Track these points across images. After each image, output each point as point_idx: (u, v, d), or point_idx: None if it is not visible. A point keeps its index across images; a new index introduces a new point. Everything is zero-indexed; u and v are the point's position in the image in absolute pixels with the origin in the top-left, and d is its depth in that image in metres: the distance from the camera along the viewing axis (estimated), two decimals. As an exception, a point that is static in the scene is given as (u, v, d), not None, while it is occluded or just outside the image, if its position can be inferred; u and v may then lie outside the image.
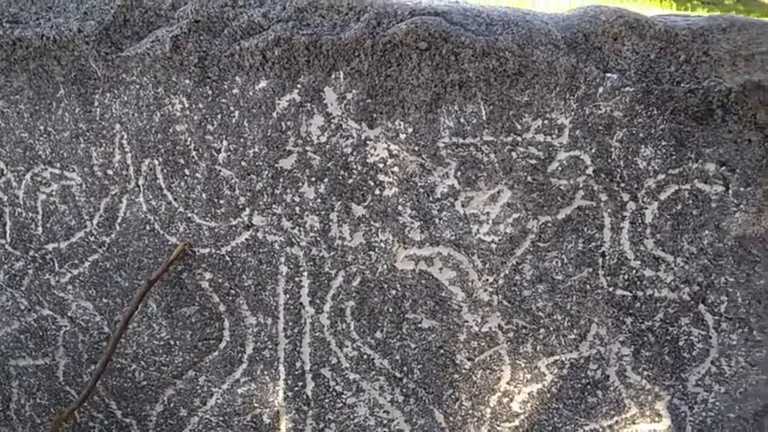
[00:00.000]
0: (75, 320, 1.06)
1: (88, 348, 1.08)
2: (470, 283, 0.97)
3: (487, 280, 0.96)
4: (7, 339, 1.10)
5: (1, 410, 1.15)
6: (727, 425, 1.00)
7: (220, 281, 1.01)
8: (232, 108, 0.91)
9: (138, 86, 0.92)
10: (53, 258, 1.03)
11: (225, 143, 0.93)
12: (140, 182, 0.97)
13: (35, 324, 1.08)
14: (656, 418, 1.01)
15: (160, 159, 0.95)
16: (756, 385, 0.97)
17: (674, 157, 0.88)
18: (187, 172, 0.95)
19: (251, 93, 0.90)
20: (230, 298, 1.02)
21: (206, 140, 0.93)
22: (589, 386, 1.00)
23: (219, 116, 0.92)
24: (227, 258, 0.99)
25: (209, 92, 0.91)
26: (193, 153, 0.94)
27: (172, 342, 1.06)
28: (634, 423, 1.01)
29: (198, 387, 1.08)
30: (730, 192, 0.88)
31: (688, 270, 0.92)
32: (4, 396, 1.14)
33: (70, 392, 1.11)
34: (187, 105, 0.92)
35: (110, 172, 0.97)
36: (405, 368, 1.03)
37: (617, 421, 1.01)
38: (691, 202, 0.89)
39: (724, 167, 0.87)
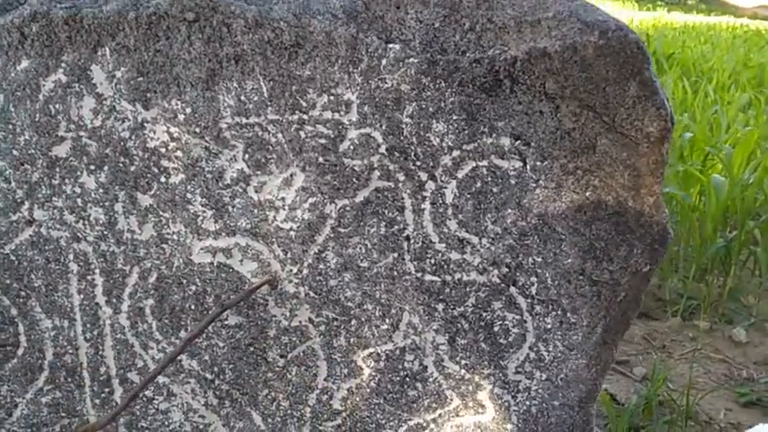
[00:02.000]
0: None
1: None
2: (276, 275, 0.89)
3: (291, 270, 0.89)
4: None
5: None
6: (552, 413, 0.94)
7: (8, 282, 0.91)
8: (-3, 92, 0.83)
9: None
10: None
11: (-6, 131, 0.84)
12: None
13: None
14: (480, 410, 0.94)
15: (-74, 151, 0.86)
16: (577, 370, 0.92)
17: (466, 132, 0.81)
18: (-43, 164, 0.86)
19: (13, 74, 0.82)
20: (21, 300, 0.92)
21: (-27, 129, 0.84)
22: (408, 378, 0.93)
23: (-15, 102, 0.83)
24: (12, 257, 0.90)
25: (-31, 75, 0.82)
26: (-38, 143, 0.85)
27: (-35, 351, 0.96)
28: (458, 415, 0.95)
29: (1, 398, 0.99)
30: (528, 167, 0.82)
31: (494, 251, 0.86)
32: None
33: None
34: (-53, 91, 0.83)
35: None
36: (215, 369, 0.95)
37: (440, 414, 0.95)
38: (489, 179, 0.83)
39: (519, 141, 0.81)
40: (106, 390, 0.96)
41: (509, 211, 0.84)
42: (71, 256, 0.90)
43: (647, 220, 0.84)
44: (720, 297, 2.53)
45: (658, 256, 0.86)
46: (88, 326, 0.93)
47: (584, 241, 0.85)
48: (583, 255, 0.86)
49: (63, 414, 0.98)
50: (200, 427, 0.98)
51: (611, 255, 0.86)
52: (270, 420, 0.96)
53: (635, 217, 0.84)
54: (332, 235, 0.87)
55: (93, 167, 0.85)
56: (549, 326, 0.89)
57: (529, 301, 0.88)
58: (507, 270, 0.87)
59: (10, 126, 0.84)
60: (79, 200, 0.87)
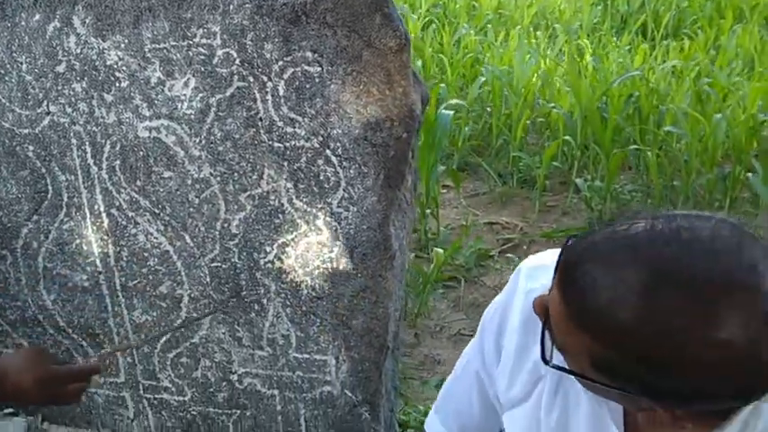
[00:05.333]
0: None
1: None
2: (185, 144, 1.42)
3: (195, 140, 1.41)
4: None
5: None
6: (363, 233, 1.41)
7: (39, 151, 1.49)
8: (23, 34, 1.39)
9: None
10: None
11: (24, 57, 1.40)
12: (-20, 87, 1.46)
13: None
14: (319, 232, 1.43)
15: (-11, 71, 1.44)
16: (373, 204, 1.38)
17: (284, 49, 1.29)
18: (7, 78, 1.43)
19: (31, 23, 1.37)
20: (47, 162, 1.50)
21: (12, 57, 1.41)
22: (273, 211, 1.43)
23: (18, 39, 1.39)
24: (40, 135, 1.47)
25: (8, 24, 1.38)
26: (8, 66, 1.42)
27: (20, 195, 1.55)
28: (306, 236, 1.44)
29: (41, 226, 1.58)
30: (324, 71, 1.29)
31: (313, 125, 1.34)
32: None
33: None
34: (-3, 34, 1.40)
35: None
36: (160, 206, 1.49)
37: (296, 236, 1.44)
38: (303, 78, 1.31)
39: (316, 54, 1.29)
40: (99, 220, 1.53)
41: (317, 99, 1.32)
42: (71, 134, 1.46)
43: (400, 103, 1.30)
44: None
45: (410, 127, 1.31)
46: (85, 179, 1.49)
47: (363, 118, 1.32)
48: (364, 127, 1.32)
49: (76, 237, 1.56)
50: (155, 244, 1.52)
51: (381, 126, 1.32)
52: (195, 239, 1.50)
53: (392, 101, 1.30)
54: (215, 117, 1.38)
55: (78, 78, 1.40)
56: (352, 175, 1.37)
57: (338, 158, 1.36)
58: (322, 138, 1.35)
59: (32, 55, 1.40)
60: (73, 98, 1.42)
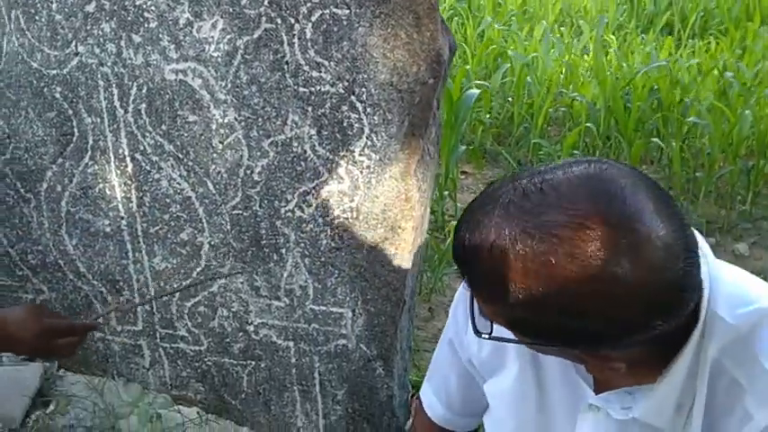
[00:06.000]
0: (-13, 124, 1.58)
1: (-3, 144, 1.60)
2: (211, 87, 1.41)
3: (221, 84, 1.40)
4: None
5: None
6: (384, 183, 1.39)
7: (66, 92, 1.49)
8: (56, -27, 1.39)
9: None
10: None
11: (55, -3, 1.40)
12: (12, 26, 1.46)
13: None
14: (340, 180, 1.42)
15: (20, 10, 1.44)
16: (396, 152, 1.37)
17: (313, -9, 1.28)
18: (37, 18, 1.44)
19: (62, -39, 1.38)
20: (74, 104, 1.50)
21: (44, -4, 1.41)
22: (296, 159, 1.42)
23: (50, -21, 1.39)
24: (68, 77, 1.48)
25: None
26: (38, 5, 1.42)
27: (46, 138, 1.55)
28: (328, 184, 1.43)
29: (65, 170, 1.58)
30: (352, 13, 1.28)
31: (339, 70, 1.33)
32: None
33: (-9, 176, 1.63)
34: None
35: (-7, 20, 1.46)
36: (184, 150, 1.48)
37: (317, 184, 1.43)
38: (331, 21, 1.30)
39: (344, -4, 1.28)
40: (123, 165, 1.53)
41: (344, 43, 1.31)
42: (99, 75, 1.46)
43: (427, 47, 1.28)
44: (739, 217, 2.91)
45: (437, 73, 1.29)
46: (111, 122, 1.49)
47: (390, 63, 1.30)
48: (390, 72, 1.31)
49: (99, 181, 1.56)
50: (178, 190, 1.52)
51: (407, 71, 1.30)
52: (217, 186, 1.49)
53: (419, 45, 1.28)
54: (242, 60, 1.37)
55: (107, 18, 1.40)
56: (376, 121, 1.35)
57: (363, 104, 1.34)
58: (347, 83, 1.34)
59: (63, -7, 1.40)
60: (101, 38, 1.42)
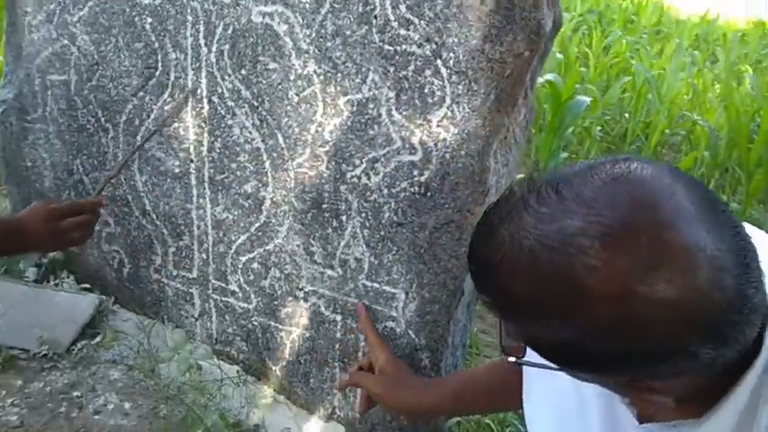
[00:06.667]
0: (80, 48, 1.58)
1: (86, 70, 1.59)
2: (295, 34, 1.33)
3: (306, 32, 1.32)
4: (45, 60, 1.64)
5: (41, 112, 1.70)
6: (459, 160, 1.27)
7: (155, 24, 1.46)
8: None
9: None
10: (69, 3, 1.55)
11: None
12: (114, -48, 1.44)
13: (59, 50, 1.61)
14: (413, 151, 1.30)
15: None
16: (476, 128, 1.24)
17: (413, -60, 1.18)
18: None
19: None
20: (161, 37, 1.47)
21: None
22: (369, 121, 1.32)
23: None
24: (159, 8, 1.44)
25: None
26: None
27: (131, 69, 1.53)
28: (399, 154, 1.32)
29: (144, 104, 1.55)
30: (451, -32, 1.17)
31: (428, 31, 1.22)
32: (43, 102, 1.69)
33: (77, 101, 1.63)
34: None
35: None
36: (260, 99, 1.41)
37: (388, 151, 1.32)
38: (427, -24, 1.19)
39: (445, -51, 1.16)
40: (200, 106, 1.48)
41: (438, 0, 1.19)
42: (188, 10, 1.41)
43: (527, 16, 1.14)
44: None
45: (534, 45, 1.15)
46: (194, 59, 1.45)
47: (485, 27, 1.17)
48: (483, 38, 1.18)
49: (174, 118, 1.52)
50: (248, 140, 1.46)
51: (501, 39, 1.17)
52: (287, 141, 1.41)
53: (519, 12, 1.14)
54: (330, 9, 1.28)
55: (203, -49, 1.35)
56: (460, 91, 1.23)
57: (448, 71, 1.22)
58: (435, 46, 1.22)
59: None
60: (195, -28, 1.37)
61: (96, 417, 1.48)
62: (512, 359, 0.67)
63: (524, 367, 0.91)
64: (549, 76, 2.91)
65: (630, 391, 0.62)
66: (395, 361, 1.28)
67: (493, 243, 0.59)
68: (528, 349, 0.65)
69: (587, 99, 2.85)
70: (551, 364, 0.63)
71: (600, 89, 3.95)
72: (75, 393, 1.53)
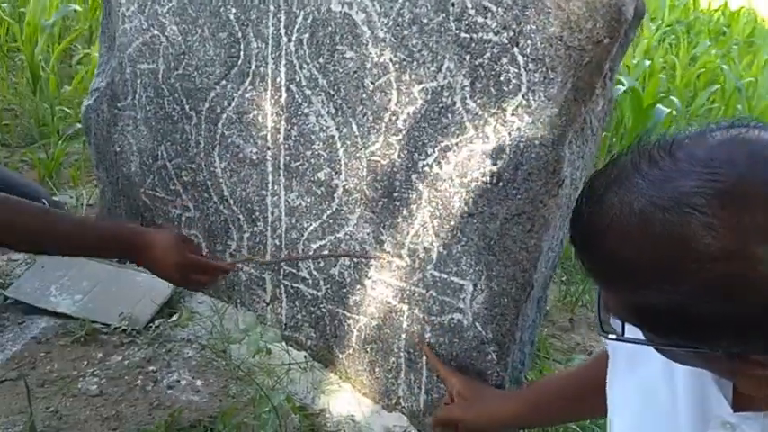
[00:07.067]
0: (168, 38, 1.64)
1: (173, 59, 1.65)
2: (373, 23, 1.34)
3: (383, 21, 1.33)
4: (136, 50, 1.72)
5: (131, 100, 1.78)
6: (533, 150, 1.24)
7: (239, 14, 1.50)
8: None
9: None
10: (161, -5, 1.62)
11: None
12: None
13: (149, 39, 1.68)
14: (486, 140, 1.29)
15: (213, -71, 1.47)
16: (551, 117, 1.21)
17: (493, -74, 1.17)
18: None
19: None
20: (244, 27, 1.51)
21: None
22: (443, 110, 1.32)
23: None
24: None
25: None
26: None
27: (215, 58, 1.58)
28: (471, 143, 1.30)
29: (226, 92, 1.60)
30: (531, -46, 1.15)
31: (506, 18, 1.20)
32: (133, 90, 1.76)
33: (164, 89, 1.70)
34: None
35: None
36: (336, 87, 1.43)
37: (461, 140, 1.31)
38: (506, -38, 1.17)
39: (526, -66, 1.14)
40: (278, 94, 1.51)
41: (516, -12, 1.18)
42: (271, 0, 1.45)
43: (608, 2, 1.11)
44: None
45: (614, 32, 1.12)
46: (274, 48, 1.48)
47: (563, 14, 1.15)
48: (562, 25, 1.16)
49: (254, 108, 1.55)
50: (323, 128, 1.48)
51: (581, 26, 1.14)
52: (361, 129, 1.42)
53: (600, -3, 1.12)
54: (407, -3, 1.29)
55: (287, -58, 1.38)
56: (536, 80, 1.21)
57: (525, 59, 1.21)
58: (513, 33, 1.20)
59: None
60: (278, -37, 1.40)
61: (169, 391, 1.52)
62: (611, 336, 0.64)
63: (611, 358, 0.88)
64: (630, 83, 2.83)
65: (739, 366, 0.59)
66: (468, 383, 1.30)
67: (600, 208, 0.57)
68: (626, 328, 0.63)
69: (666, 110, 2.75)
70: (652, 341, 0.61)
71: (686, 99, 3.81)
72: (151, 368, 1.58)
